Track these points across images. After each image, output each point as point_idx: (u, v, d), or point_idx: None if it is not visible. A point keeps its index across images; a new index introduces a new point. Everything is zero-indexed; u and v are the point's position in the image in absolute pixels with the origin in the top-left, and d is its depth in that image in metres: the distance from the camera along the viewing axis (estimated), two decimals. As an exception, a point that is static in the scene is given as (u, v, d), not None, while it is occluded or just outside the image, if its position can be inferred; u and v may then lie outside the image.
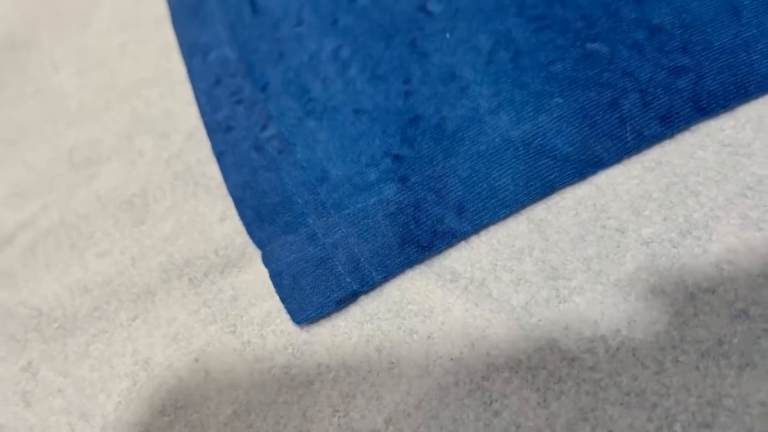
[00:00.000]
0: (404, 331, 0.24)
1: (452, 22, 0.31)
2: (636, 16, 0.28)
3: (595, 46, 0.27)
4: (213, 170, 0.31)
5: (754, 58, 0.25)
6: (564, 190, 0.25)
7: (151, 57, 0.37)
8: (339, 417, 0.23)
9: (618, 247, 0.23)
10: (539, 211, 0.24)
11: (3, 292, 0.31)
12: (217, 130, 0.32)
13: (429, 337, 0.23)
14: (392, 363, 0.23)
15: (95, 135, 0.35)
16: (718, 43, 0.26)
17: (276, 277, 0.27)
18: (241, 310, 0.26)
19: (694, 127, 0.24)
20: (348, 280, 0.25)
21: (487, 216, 0.25)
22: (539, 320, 0.22)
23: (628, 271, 0.22)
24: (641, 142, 0.25)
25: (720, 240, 0.22)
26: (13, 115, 0.38)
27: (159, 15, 0.38)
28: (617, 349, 0.21)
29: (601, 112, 0.26)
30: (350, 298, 0.25)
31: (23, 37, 0.40)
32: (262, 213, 0.28)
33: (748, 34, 0.26)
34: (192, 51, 0.36)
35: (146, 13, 0.39)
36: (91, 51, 0.39)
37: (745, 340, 0.20)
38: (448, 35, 0.31)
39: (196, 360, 0.26)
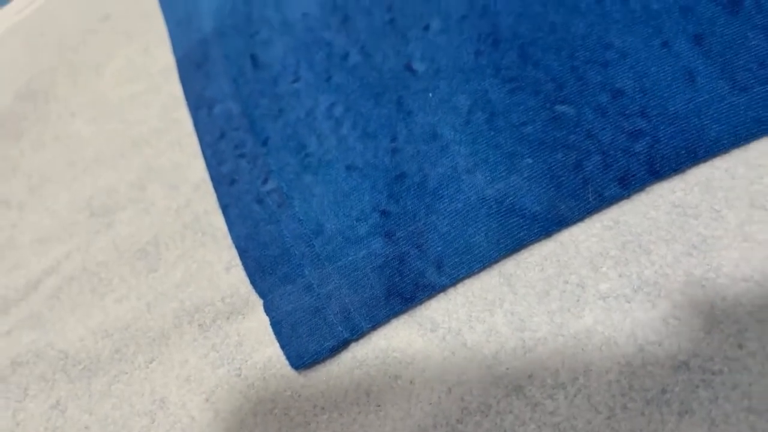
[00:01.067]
0: (390, 377, 0.27)
1: (434, 81, 0.34)
2: (601, 79, 0.31)
3: (563, 108, 0.30)
4: (219, 221, 0.34)
5: (705, 123, 0.28)
6: (532, 247, 0.28)
7: (160, 108, 0.40)
8: (331, 456, 0.26)
9: (578, 301, 0.26)
10: (509, 266, 0.28)
11: (32, 334, 0.34)
12: (222, 182, 0.35)
13: (411, 382, 0.27)
14: (379, 405, 0.27)
15: (111, 183, 0.38)
16: (673, 108, 0.29)
17: (276, 326, 0.30)
18: (246, 355, 0.30)
19: (648, 189, 0.27)
20: (340, 329, 0.29)
21: (464, 270, 0.28)
22: (507, 369, 0.26)
23: (587, 324, 0.25)
24: (601, 202, 0.28)
25: (667, 296, 0.25)
26: (35, 161, 0.41)
27: (167, 66, 0.42)
28: (575, 395, 0.24)
29: (566, 173, 0.29)
30: (342, 345, 0.28)
31: (41, 87, 0.44)
32: (264, 264, 0.32)
33: (701, 99, 0.29)
34: (198, 104, 0.39)
35: (156, 64, 0.42)
36: (105, 100, 0.42)
37: (685, 389, 0.23)
38: (430, 94, 0.34)
39: (207, 400, 0.29)
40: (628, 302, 0.25)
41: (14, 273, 0.37)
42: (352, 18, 0.38)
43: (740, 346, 0.23)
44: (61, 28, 0.46)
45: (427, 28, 0.35)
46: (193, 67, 0.40)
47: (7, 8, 0.49)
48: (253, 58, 0.39)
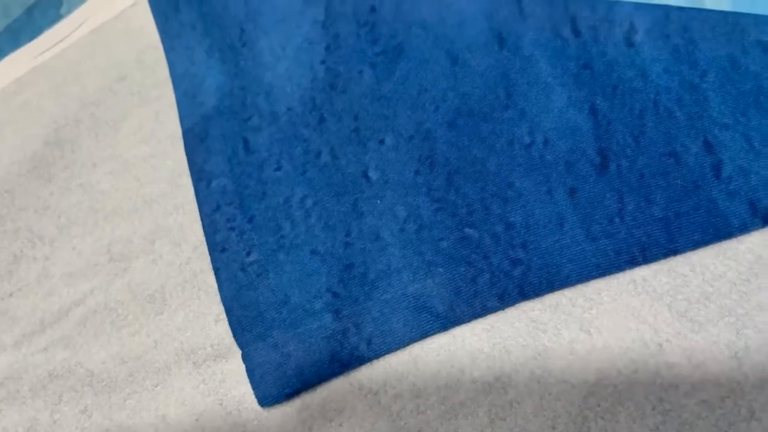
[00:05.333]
0: (327, 421, 0.41)
1: (383, 190, 0.47)
2: (500, 212, 0.44)
3: (470, 231, 0.44)
4: (212, 280, 0.48)
5: (563, 261, 0.42)
6: (434, 336, 0.42)
7: (168, 172, 0.53)
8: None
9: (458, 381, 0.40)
10: (416, 348, 0.42)
11: (64, 353, 0.48)
12: (215, 248, 0.49)
13: (341, 425, 0.41)
14: (317, 439, 0.41)
15: (127, 233, 0.51)
16: (545, 245, 0.42)
17: (250, 372, 0.44)
18: (226, 390, 0.44)
19: (518, 305, 0.41)
20: (294, 381, 0.43)
21: (385, 348, 0.42)
22: (420, 429, 0.40)
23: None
24: (485, 311, 0.42)
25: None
26: (63, 204, 0.54)
27: (175, 134, 0.54)
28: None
29: (464, 284, 0.43)
30: (296, 393, 0.43)
31: (68, 137, 0.56)
32: (243, 322, 0.45)
33: (564, 242, 0.42)
34: (199, 176, 0.52)
35: (165, 130, 0.54)
36: (122, 156, 0.55)
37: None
38: (378, 201, 0.47)
39: (197, 420, 0.43)
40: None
41: (48, 300, 0.50)
42: (326, 120, 0.50)
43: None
44: (82, 80, 0.58)
45: (382, 141, 0.48)
46: (196, 141, 0.53)
47: (24, 50, 0.60)
48: (245, 142, 0.51)
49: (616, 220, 0.41)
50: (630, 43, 0.45)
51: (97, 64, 0.58)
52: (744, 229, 0.39)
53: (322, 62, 0.52)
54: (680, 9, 0.45)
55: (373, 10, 0.52)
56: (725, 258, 0.38)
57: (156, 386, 0.45)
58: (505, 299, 0.41)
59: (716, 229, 0.39)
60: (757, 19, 0.43)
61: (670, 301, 0.38)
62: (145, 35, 0.58)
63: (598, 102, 0.44)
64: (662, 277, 0.39)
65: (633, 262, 0.40)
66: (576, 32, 0.46)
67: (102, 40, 0.59)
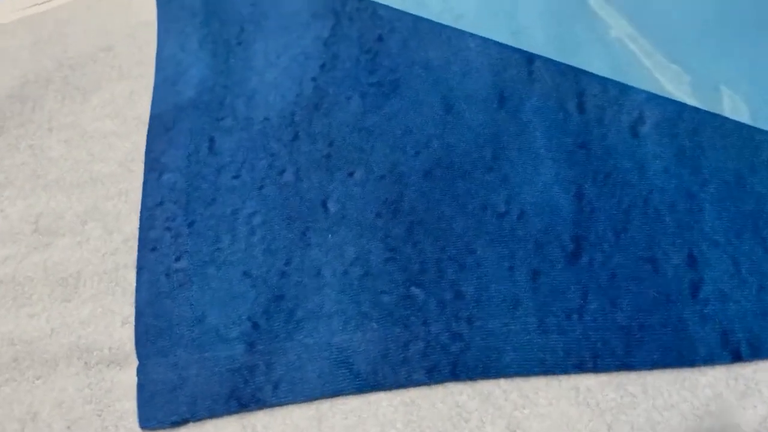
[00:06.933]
0: None
1: (338, 225, 0.44)
2: (453, 278, 0.40)
3: (417, 291, 0.40)
4: (132, 278, 0.44)
5: (506, 348, 0.38)
6: (346, 397, 0.38)
7: (123, 154, 0.49)
8: None
9: None
10: (325, 406, 0.38)
11: (-46, 319, 0.44)
12: (145, 246, 0.45)
13: None
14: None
15: (61, 208, 0.48)
16: (491, 326, 0.39)
17: (140, 388, 0.40)
18: (110, 401, 0.40)
19: (447, 383, 0.37)
20: (184, 409, 0.39)
21: (291, 398, 0.38)
22: None
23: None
24: (409, 382, 0.38)
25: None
26: (5, 162, 0.51)
27: (142, 117, 0.51)
28: None
29: (394, 348, 0.39)
30: (182, 423, 0.38)
31: (33, 94, 0.53)
32: (149, 332, 0.42)
33: (513, 327, 0.38)
34: (151, 166, 0.49)
35: (134, 110, 0.52)
36: (82, 127, 0.52)
37: None
38: (330, 236, 0.43)
39: (68, 428, 0.39)
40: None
41: (-43, 258, 0.46)
42: (300, 139, 0.47)
43: None
44: (66, 41, 0.55)
45: (351, 174, 0.45)
46: (161, 129, 0.50)
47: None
48: (211, 141, 0.48)
49: (575, 317, 0.37)
50: (635, 133, 0.42)
51: (86, 29, 0.56)
52: (709, 360, 0.35)
53: (313, 79, 0.49)
54: (696, 110, 0.42)
55: (380, 39, 0.50)
56: (682, 387, 0.34)
57: (37, 379, 0.41)
58: (433, 375, 0.37)
59: (680, 353, 0.36)
60: (773, 138, 0.40)
61: (611, 421, 0.34)
62: (143, 12, 0.56)
63: (586, 186, 0.41)
64: (609, 392, 0.35)
65: (581, 368, 0.36)
66: (581, 108, 0.44)
67: (99, 6, 0.57)
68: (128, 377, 0.40)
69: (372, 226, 0.42)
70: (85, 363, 0.41)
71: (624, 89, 0.44)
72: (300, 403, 0.38)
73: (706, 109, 0.42)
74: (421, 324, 0.39)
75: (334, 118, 0.47)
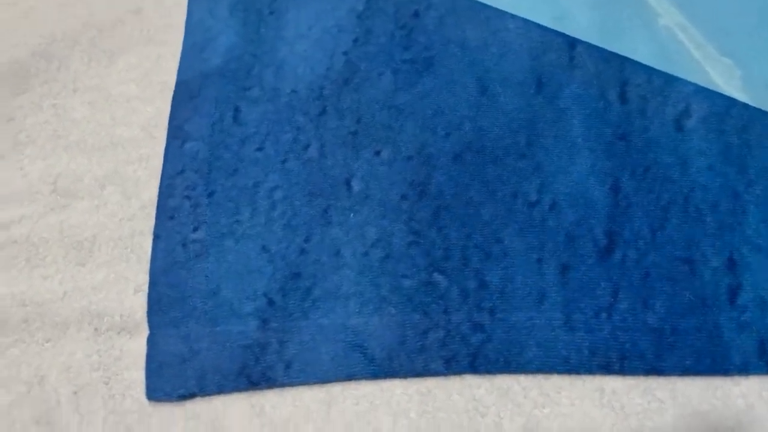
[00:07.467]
0: None
1: (361, 205, 0.42)
2: (478, 267, 0.39)
3: (439, 277, 0.39)
4: (148, 245, 0.43)
5: (529, 342, 0.36)
6: (359, 382, 0.36)
7: (146, 119, 0.48)
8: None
9: None
10: (336, 389, 0.36)
11: (-33, 276, 0.43)
12: (163, 214, 0.44)
13: None
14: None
15: (80, 170, 0.47)
16: (514, 319, 0.37)
17: (149, 358, 0.39)
18: (118, 369, 0.39)
19: (464, 375, 0.36)
20: (192, 383, 0.38)
21: (302, 379, 0.37)
22: None
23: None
24: (426, 372, 0.36)
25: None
26: (28, 121, 0.50)
27: (168, 83, 0.50)
28: None
29: (412, 335, 0.37)
30: (189, 397, 0.37)
31: (59, 53, 0.52)
32: (163, 301, 0.41)
33: (538, 321, 0.37)
34: (174, 133, 0.47)
35: (160, 75, 0.50)
36: (107, 90, 0.51)
37: None
38: (352, 215, 0.42)
39: (75, 393, 0.39)
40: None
41: (-27, 214, 0.45)
42: (327, 113, 0.46)
43: None
44: (95, 1, 0.54)
45: (378, 153, 0.43)
46: (186, 96, 0.49)
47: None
48: (237, 111, 0.47)
49: (603, 315, 0.35)
50: (679, 127, 0.40)
51: (115, -10, 0.54)
52: (744, 370, 0.33)
53: (345, 53, 0.48)
54: (745, 107, 0.40)
55: (416, 15, 0.48)
56: (713, 396, 0.33)
57: (47, 342, 0.40)
58: (452, 366, 0.36)
59: (713, 360, 0.34)
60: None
61: (636, 426, 0.33)
62: (176, -25, 0.55)
63: (624, 179, 0.39)
64: (636, 396, 0.33)
65: (607, 369, 0.35)
66: (623, 98, 0.41)
67: (131, -33, 0.56)
68: (138, 346, 0.39)
69: (396, 208, 0.41)
70: (96, 329, 0.40)
71: (670, 80, 0.41)
72: (311, 384, 0.37)
73: (757, 106, 0.39)
74: (442, 312, 0.37)
75: (363, 94, 0.45)
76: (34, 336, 0.41)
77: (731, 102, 0.40)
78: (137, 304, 0.41)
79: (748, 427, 0.32)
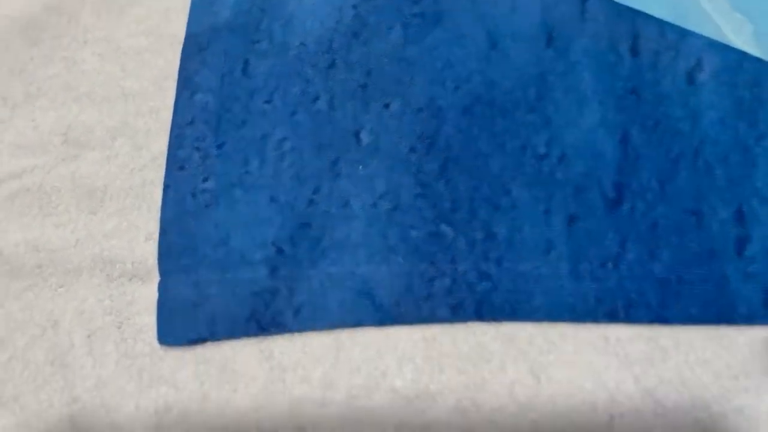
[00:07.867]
0: (223, 382, 0.37)
1: (369, 157, 0.42)
2: (485, 218, 0.39)
3: (447, 229, 0.39)
4: (158, 195, 0.43)
5: (536, 291, 0.37)
6: (366, 329, 0.37)
7: (156, 72, 0.49)
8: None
9: (377, 386, 0.35)
10: (343, 335, 0.37)
11: (-19, 223, 0.44)
12: (173, 165, 0.44)
13: (235, 390, 0.37)
14: (205, 396, 0.36)
15: (91, 121, 0.47)
16: (521, 268, 0.37)
17: (160, 303, 0.40)
18: (130, 314, 0.40)
19: (470, 323, 0.36)
20: (203, 328, 0.38)
21: (311, 325, 0.38)
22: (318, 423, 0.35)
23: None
24: (432, 318, 0.37)
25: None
26: (39, 73, 0.50)
27: (177, 36, 0.50)
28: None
29: (419, 283, 0.38)
30: (200, 342, 0.38)
31: (70, 7, 0.52)
32: (173, 248, 0.41)
33: (544, 271, 0.37)
34: (185, 85, 0.48)
35: (169, 28, 0.50)
36: (116, 42, 0.51)
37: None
38: (360, 167, 0.42)
39: (88, 336, 0.39)
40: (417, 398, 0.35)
41: (-13, 164, 0.46)
42: (336, 66, 0.46)
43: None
44: (107, -46, 0.54)
45: (387, 106, 0.43)
46: (196, 48, 0.49)
47: None
48: (246, 64, 0.47)
49: (609, 264, 0.36)
50: (691, 80, 0.40)
51: (125, -58, 0.54)
52: (750, 319, 0.34)
53: (354, 7, 0.47)
54: (759, 61, 0.39)
55: (426, -32, 0.47)
56: (718, 345, 0.33)
57: (60, 287, 0.41)
58: (458, 313, 0.36)
59: (719, 309, 0.34)
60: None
61: (639, 373, 0.33)
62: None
63: (633, 132, 0.39)
64: (640, 344, 0.34)
65: (612, 317, 0.35)
66: (634, 51, 0.41)
67: None
68: (149, 292, 0.40)
69: (405, 160, 0.41)
70: (108, 275, 0.41)
71: (683, 34, 0.41)
72: (319, 330, 0.37)
73: (769, 61, 0.39)
74: (449, 261, 0.38)
75: (373, 47, 0.45)
76: (48, 281, 0.41)
77: (743, 56, 0.40)
78: (148, 251, 0.41)
79: (752, 375, 0.32)
